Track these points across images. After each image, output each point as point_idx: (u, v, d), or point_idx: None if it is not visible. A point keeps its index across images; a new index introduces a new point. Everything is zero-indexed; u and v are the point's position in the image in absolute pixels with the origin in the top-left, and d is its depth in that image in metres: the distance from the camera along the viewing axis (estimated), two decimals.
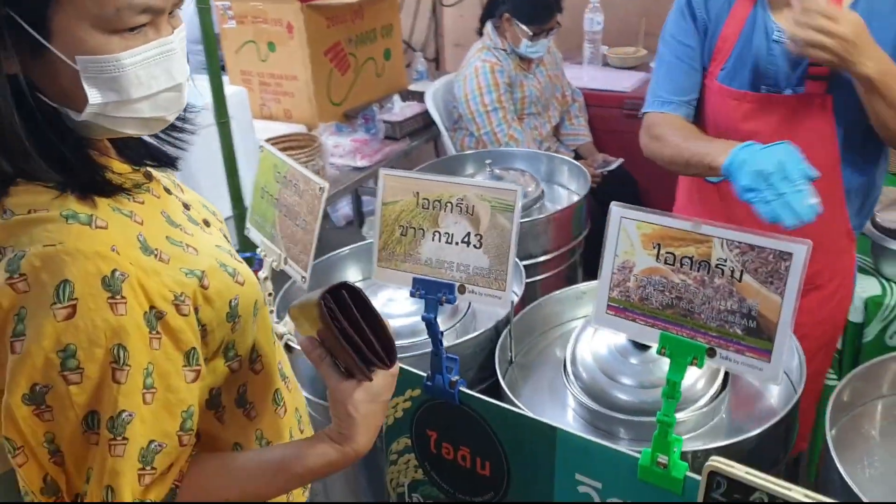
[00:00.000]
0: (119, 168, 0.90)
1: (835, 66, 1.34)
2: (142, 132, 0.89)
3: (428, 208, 1.19)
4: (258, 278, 1.29)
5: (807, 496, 0.92)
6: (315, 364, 0.91)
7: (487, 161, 1.90)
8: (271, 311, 1.40)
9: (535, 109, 2.94)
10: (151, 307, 0.82)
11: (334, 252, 1.65)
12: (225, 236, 1.06)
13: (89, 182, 0.83)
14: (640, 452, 1.06)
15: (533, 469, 1.18)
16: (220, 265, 0.92)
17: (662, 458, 1.03)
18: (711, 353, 0.99)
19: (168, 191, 0.97)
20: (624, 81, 3.21)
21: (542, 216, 1.89)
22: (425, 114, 3.06)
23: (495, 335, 1.37)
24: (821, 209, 1.26)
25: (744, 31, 1.50)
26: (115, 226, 0.83)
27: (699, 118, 1.60)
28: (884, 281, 1.71)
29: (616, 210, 1.05)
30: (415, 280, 1.20)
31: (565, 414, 1.31)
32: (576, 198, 2.00)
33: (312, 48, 2.94)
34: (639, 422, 1.24)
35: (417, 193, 1.20)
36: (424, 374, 1.25)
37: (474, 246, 1.15)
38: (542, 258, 1.79)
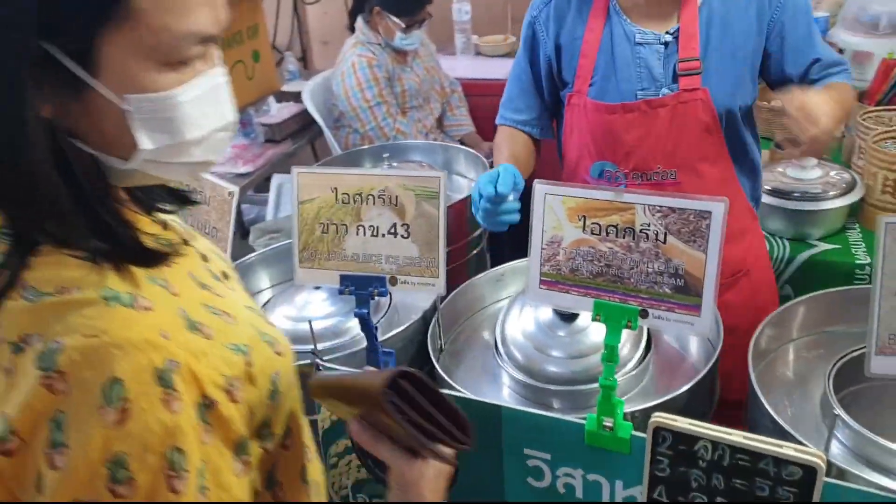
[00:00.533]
0: (147, 225, 0.76)
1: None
2: (190, 179, 0.78)
3: (349, 203, 1.18)
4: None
5: (745, 436, 0.98)
6: (368, 447, 0.82)
7: (385, 155, 1.90)
8: None
9: (416, 102, 2.95)
10: (203, 395, 0.69)
11: (240, 260, 1.60)
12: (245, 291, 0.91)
13: (129, 250, 0.70)
14: (584, 419, 1.10)
15: (481, 450, 1.19)
16: (259, 334, 0.79)
17: (608, 421, 1.07)
18: (644, 314, 1.03)
19: (186, 242, 0.80)
20: (499, 69, 3.27)
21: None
22: (304, 114, 3.01)
23: (423, 325, 1.37)
24: (515, 218, 1.34)
25: (602, 44, 1.50)
26: (159, 304, 0.70)
27: (577, 136, 1.59)
28: (769, 236, 1.83)
29: (539, 188, 1.07)
30: (342, 277, 1.19)
31: (501, 393, 1.33)
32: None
33: None
34: (575, 391, 1.28)
35: (335, 189, 1.18)
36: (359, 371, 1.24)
37: (402, 236, 1.15)
38: (450, 247, 1.80)
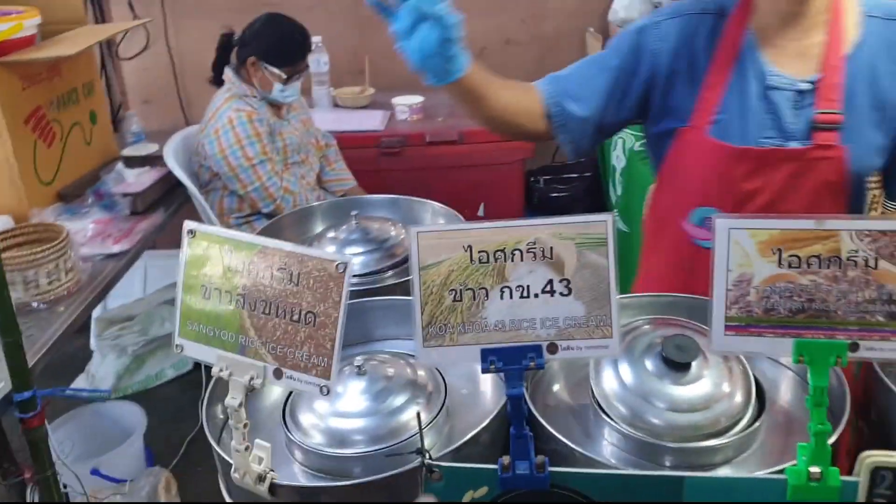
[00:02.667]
0: None
1: None
2: None
3: (488, 262, 0.98)
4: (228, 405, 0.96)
5: None
6: None
7: (353, 212, 1.67)
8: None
9: (298, 157, 2.70)
10: None
11: None
12: None
13: None
14: (779, 474, 0.99)
15: None
16: None
17: (815, 470, 0.97)
18: (854, 347, 0.95)
19: None
20: (359, 121, 3.12)
21: None
22: (167, 178, 2.63)
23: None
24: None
25: (732, 79, 1.35)
26: None
27: (682, 175, 1.43)
28: None
29: (722, 222, 0.96)
30: (484, 352, 0.98)
31: (604, 451, 1.17)
32: None
33: (9, 116, 2.35)
34: (696, 448, 1.16)
35: (470, 247, 0.98)
36: (494, 467, 1.02)
37: (561, 294, 0.97)
38: None
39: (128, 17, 3.45)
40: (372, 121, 3.07)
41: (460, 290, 0.98)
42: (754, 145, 1.35)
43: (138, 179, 2.57)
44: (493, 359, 0.98)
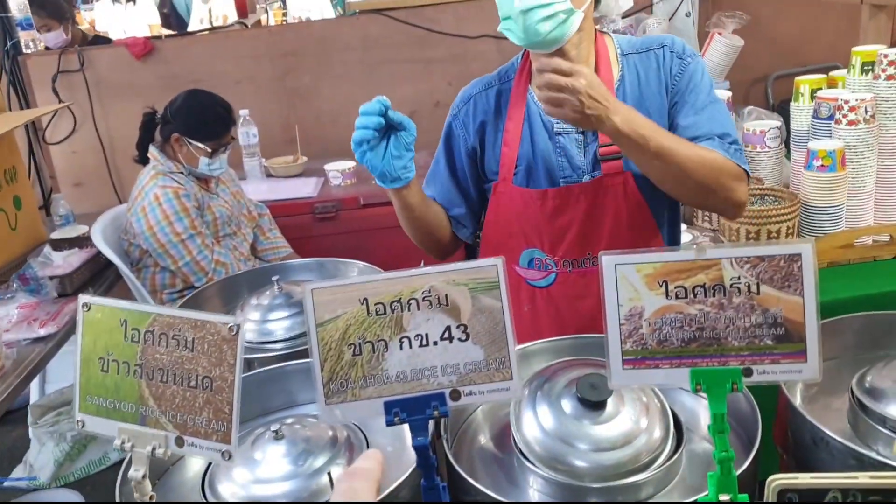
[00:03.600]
0: None
1: (580, 124, 1.36)
2: None
3: (384, 313, 0.99)
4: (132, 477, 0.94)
5: (871, 476, 0.95)
6: None
7: (275, 277, 1.67)
8: None
9: (229, 230, 2.70)
10: None
11: None
12: None
13: None
14: None
15: None
16: None
17: (724, 497, 0.98)
18: (748, 372, 0.98)
19: None
20: (294, 189, 3.14)
21: None
22: (96, 259, 2.60)
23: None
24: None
25: (524, 133, 1.53)
26: None
27: (503, 224, 1.61)
28: None
29: (608, 259, 0.99)
30: (387, 405, 0.98)
31: (531, 497, 1.16)
32: None
33: None
34: (618, 485, 1.17)
35: (366, 300, 0.99)
36: None
37: (459, 339, 0.98)
38: None
39: (52, 102, 3.45)
40: (305, 188, 3.09)
41: (359, 343, 0.98)
42: (558, 185, 1.52)
43: (66, 261, 2.53)
44: (396, 410, 0.98)
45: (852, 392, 1.21)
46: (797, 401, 1.28)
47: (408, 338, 0.98)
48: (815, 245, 0.96)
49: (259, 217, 2.90)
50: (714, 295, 0.97)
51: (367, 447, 1.22)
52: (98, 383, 1.01)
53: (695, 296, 0.98)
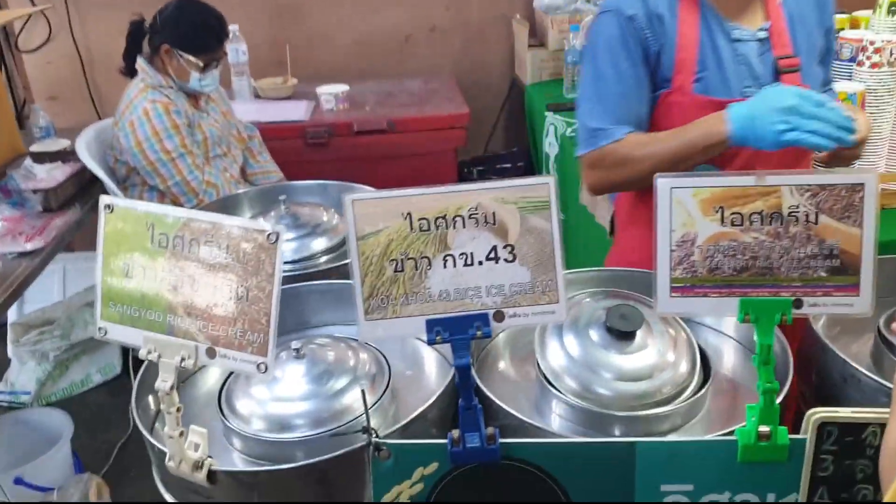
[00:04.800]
0: None
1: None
2: None
3: (429, 230, 0.94)
4: (159, 387, 0.91)
5: None
6: None
7: (282, 197, 1.61)
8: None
9: (220, 150, 2.61)
10: None
11: None
12: None
13: None
14: (727, 436, 0.99)
15: (609, 497, 1.01)
16: None
17: (764, 429, 0.97)
18: (798, 304, 0.96)
19: None
20: (283, 112, 3.04)
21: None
22: (81, 174, 2.50)
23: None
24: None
25: (701, 39, 1.42)
26: None
27: None
28: None
29: (663, 181, 0.95)
30: (429, 323, 0.94)
31: (553, 424, 1.15)
32: None
33: None
34: (647, 415, 1.15)
35: (409, 215, 0.94)
36: (444, 441, 0.99)
37: (505, 260, 0.94)
38: None
39: (26, 6, 3.26)
40: (296, 111, 2.99)
41: (401, 259, 0.94)
42: (739, 97, 1.40)
43: (50, 175, 2.43)
44: (438, 329, 0.94)
45: (879, 331, 1.21)
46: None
47: (451, 256, 0.94)
48: (878, 177, 0.93)
49: (249, 139, 2.81)
50: (771, 223, 0.94)
51: (389, 370, 1.19)
52: (121, 290, 0.96)
53: (751, 223, 0.95)
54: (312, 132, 2.87)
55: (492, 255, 0.94)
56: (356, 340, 1.21)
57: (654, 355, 1.16)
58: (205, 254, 0.92)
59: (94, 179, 2.52)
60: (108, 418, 2.77)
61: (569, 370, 1.16)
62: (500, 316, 0.95)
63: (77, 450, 2.39)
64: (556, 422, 1.14)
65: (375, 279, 0.94)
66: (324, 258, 1.60)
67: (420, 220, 0.94)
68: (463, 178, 3.14)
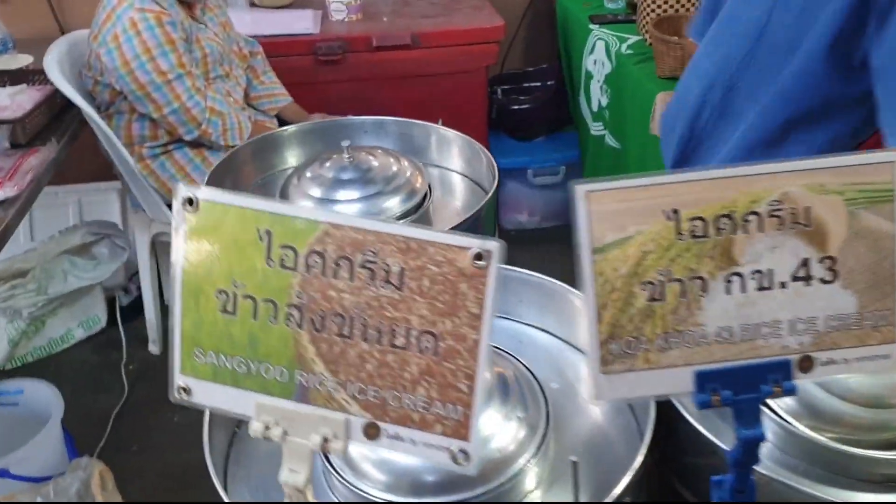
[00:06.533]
0: None
1: None
2: None
3: (704, 236, 0.60)
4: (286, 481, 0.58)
5: None
6: None
7: (345, 143, 1.24)
8: None
9: (221, 70, 2.18)
10: None
11: None
12: None
13: None
14: None
15: None
16: None
17: None
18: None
19: None
20: (302, 22, 2.59)
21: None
22: (52, 98, 2.06)
23: None
24: None
25: None
26: None
27: None
28: None
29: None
30: (701, 377, 0.62)
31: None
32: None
33: None
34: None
35: (676, 213, 0.60)
36: None
37: (822, 280, 0.62)
38: None
39: None
40: (303, 22, 2.55)
41: (662, 282, 0.61)
42: None
43: (14, 101, 1.99)
44: (715, 386, 0.62)
45: None
46: None
47: (740, 275, 0.61)
48: None
49: (251, 56, 2.38)
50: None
51: (543, 394, 0.87)
52: (215, 332, 0.62)
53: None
54: (325, 47, 2.44)
55: (801, 273, 0.61)
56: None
57: None
58: (363, 279, 0.58)
59: (69, 106, 2.08)
60: (96, 381, 2.42)
61: None
62: (807, 364, 0.63)
63: (66, 422, 2.04)
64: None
65: (619, 313, 0.61)
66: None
67: (693, 219, 0.60)
68: (488, 100, 2.76)
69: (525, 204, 2.76)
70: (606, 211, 0.60)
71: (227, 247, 0.60)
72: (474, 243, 0.55)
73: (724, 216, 0.60)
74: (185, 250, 0.60)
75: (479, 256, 0.55)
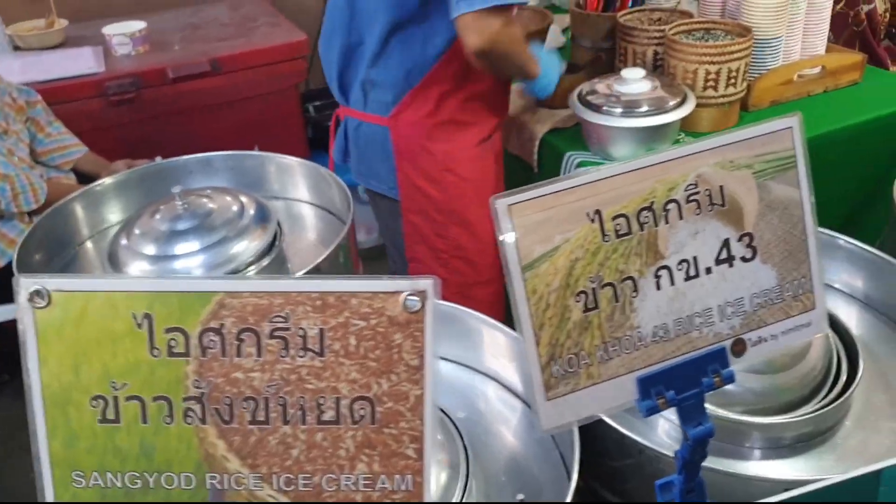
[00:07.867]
0: None
1: None
2: None
3: (628, 233, 0.57)
4: None
5: None
6: None
7: (176, 189, 1.09)
8: None
9: None
10: None
11: None
12: None
13: None
14: None
15: None
16: None
17: None
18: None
19: None
20: (81, 61, 2.34)
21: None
22: None
23: None
24: None
25: None
26: None
27: None
28: None
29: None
30: (642, 382, 0.58)
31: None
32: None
33: None
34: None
35: (598, 214, 0.56)
36: None
37: (742, 259, 0.60)
38: None
39: None
40: (83, 62, 2.30)
41: (594, 289, 0.56)
42: None
43: None
44: (658, 389, 0.59)
45: None
46: None
47: (667, 268, 0.58)
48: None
49: (29, 107, 2.11)
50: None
51: (458, 431, 0.81)
52: (96, 446, 0.50)
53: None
54: (115, 86, 2.22)
55: (724, 254, 0.59)
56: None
57: None
58: (274, 352, 0.49)
59: None
60: None
61: None
62: (740, 347, 0.61)
63: None
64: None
65: (556, 330, 0.56)
66: (252, 269, 1.14)
67: (615, 219, 0.56)
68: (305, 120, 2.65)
69: (360, 221, 2.68)
70: (531, 223, 0.54)
71: (96, 343, 0.48)
72: (403, 286, 0.48)
73: (644, 209, 0.57)
74: (39, 355, 0.48)
75: (412, 300, 0.48)
